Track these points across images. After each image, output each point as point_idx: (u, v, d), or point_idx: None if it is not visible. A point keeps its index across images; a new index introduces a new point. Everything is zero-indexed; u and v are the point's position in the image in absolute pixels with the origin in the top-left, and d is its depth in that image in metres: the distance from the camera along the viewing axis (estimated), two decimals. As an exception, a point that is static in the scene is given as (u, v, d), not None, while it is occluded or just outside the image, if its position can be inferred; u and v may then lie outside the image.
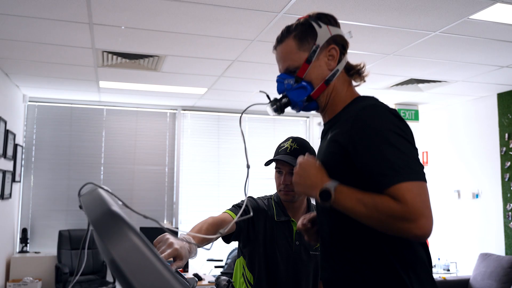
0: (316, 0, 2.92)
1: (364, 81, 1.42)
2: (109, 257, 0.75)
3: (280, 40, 1.40)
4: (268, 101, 1.40)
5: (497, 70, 4.48)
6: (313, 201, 1.99)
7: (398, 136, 1.17)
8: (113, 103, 6.39)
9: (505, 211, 5.22)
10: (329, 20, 1.38)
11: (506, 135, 5.31)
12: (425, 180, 1.13)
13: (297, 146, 1.93)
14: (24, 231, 5.80)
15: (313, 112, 6.84)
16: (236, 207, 1.92)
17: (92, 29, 3.47)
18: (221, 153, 6.80)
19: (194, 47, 3.89)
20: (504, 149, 5.33)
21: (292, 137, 1.99)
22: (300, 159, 1.32)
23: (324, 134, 1.40)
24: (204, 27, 3.41)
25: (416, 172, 1.12)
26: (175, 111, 6.64)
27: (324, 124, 1.42)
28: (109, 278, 5.76)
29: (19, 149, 5.71)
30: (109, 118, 6.42)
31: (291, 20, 3.27)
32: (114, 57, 4.21)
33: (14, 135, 5.40)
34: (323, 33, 1.35)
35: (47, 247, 5.93)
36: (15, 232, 5.82)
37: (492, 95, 5.51)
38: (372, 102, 1.28)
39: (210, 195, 6.65)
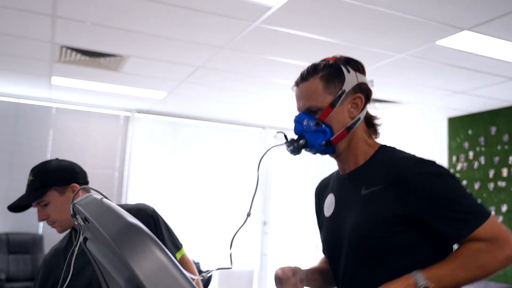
0: (292, 14, 2.91)
1: (378, 137, 1.41)
2: (129, 275, 0.66)
3: (305, 77, 1.35)
4: (285, 141, 1.36)
5: (452, 95, 4.68)
6: None
7: (456, 180, 1.22)
8: (64, 102, 6.09)
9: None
10: (358, 66, 1.36)
11: (454, 157, 5.54)
12: (490, 211, 1.20)
13: (33, 177, 1.71)
14: (-44, 233, 5.38)
15: (269, 123, 6.95)
16: None
17: (55, 22, 3.28)
18: (176, 160, 6.64)
19: (160, 49, 3.77)
20: (452, 171, 5.55)
21: (32, 168, 1.76)
22: None
23: (346, 186, 1.37)
24: (175, 30, 3.31)
25: (484, 207, 1.19)
26: (129, 114, 6.43)
27: (345, 175, 1.39)
28: (48, 285, 5.43)
29: (-44, 143, 5.31)
30: (59, 117, 6.11)
31: (265, 31, 3.27)
32: (73, 53, 4.00)
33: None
34: (351, 79, 1.32)
35: (-19, 251, 5.52)
36: None
37: (443, 118, 5.75)
38: (416, 157, 1.29)
39: (161, 203, 6.47)
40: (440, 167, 1.24)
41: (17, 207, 1.68)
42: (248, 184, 6.92)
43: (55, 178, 1.70)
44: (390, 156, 1.31)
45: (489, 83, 4.20)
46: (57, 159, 1.79)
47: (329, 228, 1.43)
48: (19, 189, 6.09)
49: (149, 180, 6.46)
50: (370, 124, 1.39)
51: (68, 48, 3.86)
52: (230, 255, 1.33)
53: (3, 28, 3.47)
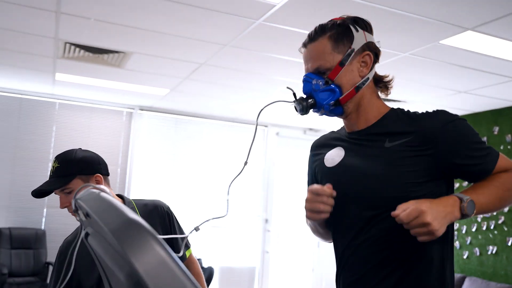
0: (295, 12, 2.91)
1: (389, 94, 1.41)
2: (129, 270, 0.67)
3: (313, 38, 1.33)
4: (293, 99, 1.34)
5: (455, 94, 4.67)
6: None
7: (468, 124, 1.31)
8: (67, 97, 6.11)
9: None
10: (366, 25, 1.35)
11: (457, 157, 5.53)
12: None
13: (59, 164, 1.75)
14: (-41, 227, 5.41)
15: (271, 121, 6.94)
16: None
17: (59, 18, 3.29)
18: (177, 156, 6.66)
19: (163, 46, 3.78)
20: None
21: (56, 155, 1.80)
22: (410, 207, 1.14)
23: (361, 141, 1.35)
24: (178, 27, 3.32)
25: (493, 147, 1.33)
26: (131, 110, 6.44)
27: (360, 131, 1.36)
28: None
29: (-40, 138, 5.33)
30: (62, 113, 6.13)
31: (268, 28, 3.28)
32: (77, 49, 4.01)
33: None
34: (359, 37, 1.31)
35: (-17, 245, 5.54)
36: (-52, 227, 5.40)
37: (446, 118, 5.74)
38: (433, 110, 1.34)
39: (163, 199, 6.46)
40: (454, 115, 1.30)
41: (40, 192, 1.70)
42: (250, 181, 6.93)
43: (81, 167, 1.73)
44: (408, 113, 1.35)
45: (492, 83, 4.20)
46: (81, 149, 1.82)
47: (335, 177, 1.36)
48: (22, 184, 6.11)
49: (151, 176, 6.48)
50: (379, 83, 1.39)
51: (71, 44, 3.87)
52: (227, 201, 1.35)
53: (7, 24, 3.48)
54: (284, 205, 7.18)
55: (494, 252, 5.00)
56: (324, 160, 1.43)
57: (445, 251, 1.29)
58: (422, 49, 3.42)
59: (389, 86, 1.40)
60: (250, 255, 6.87)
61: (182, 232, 1.93)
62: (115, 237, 0.67)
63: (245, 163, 1.30)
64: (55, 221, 5.83)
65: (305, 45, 1.36)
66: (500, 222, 4.97)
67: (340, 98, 1.30)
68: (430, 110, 1.33)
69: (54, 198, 6.09)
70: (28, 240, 5.49)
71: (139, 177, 6.43)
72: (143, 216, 1.85)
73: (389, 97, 5.23)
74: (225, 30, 3.31)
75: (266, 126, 7.13)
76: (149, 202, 1.92)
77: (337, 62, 1.29)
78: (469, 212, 1.18)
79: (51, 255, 5.63)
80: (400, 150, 1.27)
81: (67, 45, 3.90)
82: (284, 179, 7.23)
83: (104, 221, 0.73)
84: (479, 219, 5.20)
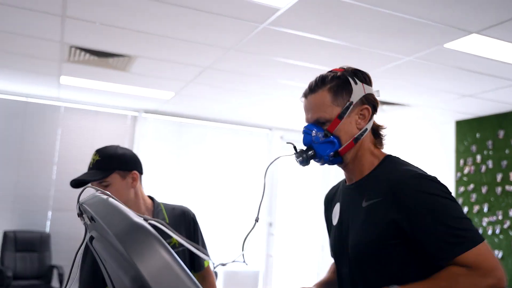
0: (300, 16, 2.92)
1: (383, 148, 1.43)
2: (134, 273, 0.67)
3: (314, 89, 1.37)
4: (294, 152, 1.38)
5: (460, 98, 4.66)
6: None
7: (451, 202, 1.20)
8: (72, 101, 6.13)
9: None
10: (364, 77, 1.38)
11: (462, 161, 5.52)
12: (483, 238, 1.16)
13: (99, 157, 1.80)
14: (-36, 230, 5.43)
15: (275, 124, 6.94)
16: None
17: (64, 22, 3.31)
18: (182, 160, 6.67)
19: (168, 50, 3.79)
20: (459, 174, 5.54)
21: (97, 149, 1.85)
22: None
23: (350, 196, 1.39)
24: (183, 31, 3.33)
25: (476, 233, 1.16)
26: (136, 114, 6.46)
27: (350, 185, 1.41)
28: (55, 283, 5.47)
29: (-34, 141, 5.36)
30: (67, 116, 6.15)
31: (272, 32, 3.28)
32: (82, 53, 4.03)
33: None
34: (358, 90, 1.34)
35: (-12, 248, 5.56)
36: (-46, 230, 5.43)
37: (451, 121, 5.72)
38: (416, 171, 1.27)
39: (166, 202, 6.48)
40: (437, 186, 1.22)
41: (80, 182, 1.74)
42: (254, 185, 6.92)
43: (120, 163, 1.80)
44: (391, 168, 1.31)
45: (497, 87, 4.18)
46: (120, 146, 1.88)
47: (335, 237, 1.46)
48: (27, 187, 6.12)
49: (155, 180, 6.49)
50: (377, 134, 1.41)
51: (77, 48, 3.89)
52: (243, 255, 1.40)
53: (13, 28, 3.50)
54: (288, 209, 7.17)
55: (500, 257, 4.97)
56: (332, 216, 1.50)
57: None
58: (426, 52, 3.41)
59: (383, 141, 1.42)
60: (254, 259, 6.86)
61: (203, 242, 1.97)
62: (120, 240, 0.68)
63: (256, 220, 1.34)
64: (60, 224, 5.85)
65: (305, 95, 1.40)
66: (505, 226, 4.94)
67: (339, 149, 1.34)
68: (416, 174, 1.26)
69: (59, 201, 6.13)
70: (32, 243, 5.50)
71: (143, 180, 6.42)
72: (170, 219, 1.91)
73: (394, 101, 5.19)
74: (230, 34, 3.32)
75: (270, 129, 7.13)
76: (176, 207, 1.99)
77: (336, 115, 1.33)
78: None
79: (56, 258, 5.64)
80: (372, 210, 1.27)
81: (73, 48, 3.92)
82: (288, 183, 7.22)
83: (109, 224, 0.73)
84: (484, 224, 5.18)
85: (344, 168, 1.41)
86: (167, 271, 0.65)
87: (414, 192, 1.21)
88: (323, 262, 7.11)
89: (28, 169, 5.89)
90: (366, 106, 1.35)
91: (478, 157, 5.34)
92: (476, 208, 5.29)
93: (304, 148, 1.37)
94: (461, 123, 5.61)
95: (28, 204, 5.80)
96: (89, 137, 6.19)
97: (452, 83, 4.17)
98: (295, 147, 1.40)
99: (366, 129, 1.36)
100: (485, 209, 5.19)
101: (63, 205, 5.91)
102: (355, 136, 1.34)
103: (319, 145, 1.34)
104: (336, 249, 1.45)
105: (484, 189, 5.23)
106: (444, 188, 1.23)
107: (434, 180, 1.24)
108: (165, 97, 5.51)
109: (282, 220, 7.11)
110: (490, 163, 5.20)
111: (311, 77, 1.44)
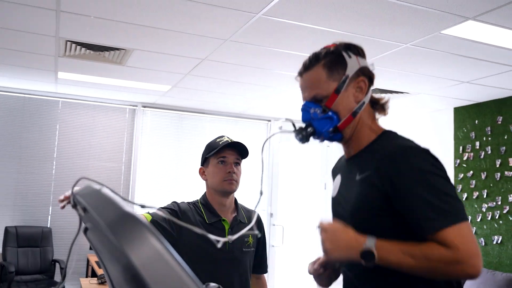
0: (295, 5, 2.90)
1: (387, 114, 1.42)
2: (125, 262, 0.68)
3: (308, 67, 1.37)
4: (293, 129, 1.38)
5: (458, 85, 4.65)
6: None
7: (439, 177, 1.18)
8: (70, 96, 6.13)
9: (457, 221, 5.42)
10: (358, 51, 1.37)
11: (461, 148, 5.52)
12: (467, 219, 1.14)
13: (235, 141, 2.08)
14: (-34, 226, 5.45)
15: (274, 115, 6.94)
16: (161, 209, 1.99)
17: (59, 17, 3.29)
18: (181, 152, 6.67)
19: (164, 43, 3.78)
20: (458, 161, 5.54)
21: (225, 135, 2.13)
22: (323, 223, 1.26)
23: (348, 170, 1.39)
24: (178, 23, 3.32)
25: (460, 212, 1.14)
26: (135, 107, 6.46)
27: (348, 159, 1.41)
28: (57, 278, 5.50)
29: (-35, 138, 5.36)
30: (65, 111, 6.15)
31: (268, 22, 3.27)
32: (78, 47, 4.02)
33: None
34: (353, 63, 1.33)
35: (-10, 244, 5.59)
36: (-45, 227, 5.45)
37: (449, 108, 5.72)
38: (408, 144, 1.27)
39: (166, 195, 6.51)
40: (428, 158, 1.21)
41: (234, 145, 2.10)
42: (253, 176, 6.93)
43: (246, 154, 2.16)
44: (386, 143, 1.32)
45: (495, 72, 4.17)
46: None
47: (333, 210, 1.47)
48: (27, 182, 6.14)
49: (155, 173, 6.50)
50: (376, 105, 1.41)
51: (72, 42, 3.88)
52: (253, 227, 1.52)
53: (8, 23, 3.49)
54: (289, 199, 7.19)
55: (499, 242, 4.99)
56: (333, 188, 1.52)
57: None
58: (423, 39, 3.40)
59: (386, 107, 1.41)
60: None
61: (265, 250, 2.25)
62: (111, 230, 0.68)
63: (261, 193, 1.39)
64: (61, 219, 5.87)
65: (300, 74, 1.40)
66: (505, 211, 4.96)
67: (338, 125, 1.33)
68: (406, 146, 1.27)
69: (59, 196, 6.14)
70: (34, 238, 5.53)
71: (143, 174, 6.45)
72: (252, 221, 2.03)
73: (392, 89, 5.18)
74: (225, 25, 3.31)
75: (269, 120, 7.12)
76: (251, 210, 2.21)
77: (333, 90, 1.32)
78: (365, 263, 1.15)
79: (58, 253, 5.67)
80: (364, 184, 1.28)
81: (68, 43, 3.91)
82: (289, 173, 7.23)
83: (101, 214, 0.74)
84: (483, 209, 5.19)
85: (344, 143, 1.41)
86: (158, 259, 0.65)
87: (402, 164, 1.21)
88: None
89: (28, 165, 5.90)
90: (362, 78, 1.34)
91: (477, 143, 5.34)
92: (475, 194, 5.31)
93: (303, 126, 1.37)
94: (459, 110, 5.61)
95: (29, 200, 5.81)
96: (88, 131, 6.20)
97: (449, 70, 4.16)
98: (294, 125, 1.40)
99: (364, 102, 1.35)
100: (485, 195, 5.20)
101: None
102: (354, 109, 1.33)
103: (318, 121, 1.33)
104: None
105: (483, 175, 5.24)
106: (435, 161, 1.22)
107: (425, 152, 1.24)
108: (162, 89, 5.50)
109: (283, 210, 7.12)
110: (489, 149, 5.20)
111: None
